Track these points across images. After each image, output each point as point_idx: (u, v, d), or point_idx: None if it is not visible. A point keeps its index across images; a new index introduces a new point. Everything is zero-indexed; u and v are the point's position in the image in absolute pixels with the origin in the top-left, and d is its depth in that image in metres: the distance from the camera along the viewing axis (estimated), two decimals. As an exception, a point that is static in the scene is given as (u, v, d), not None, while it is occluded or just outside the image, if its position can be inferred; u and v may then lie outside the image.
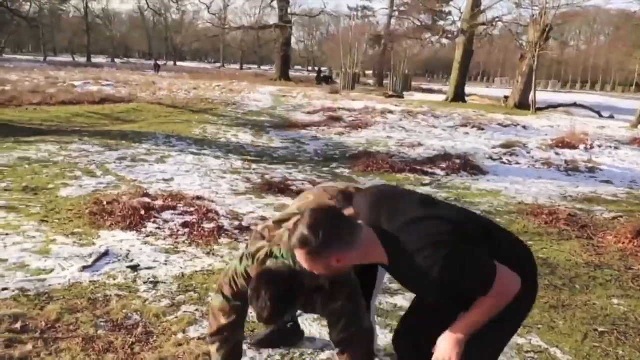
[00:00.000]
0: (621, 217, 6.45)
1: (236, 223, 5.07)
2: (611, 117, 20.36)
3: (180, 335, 3.01)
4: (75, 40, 65.60)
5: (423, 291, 1.99)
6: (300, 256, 1.85)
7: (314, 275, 1.95)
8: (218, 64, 71.16)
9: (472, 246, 1.82)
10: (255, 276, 2.01)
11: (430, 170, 8.47)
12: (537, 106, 21.43)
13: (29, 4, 41.43)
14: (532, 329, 3.34)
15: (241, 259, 2.23)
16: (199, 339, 2.99)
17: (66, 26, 65.69)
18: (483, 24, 27.49)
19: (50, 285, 3.52)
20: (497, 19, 27.66)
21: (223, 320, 2.23)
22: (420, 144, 10.86)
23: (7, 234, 4.35)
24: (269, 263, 2.07)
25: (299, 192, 6.38)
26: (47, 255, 3.98)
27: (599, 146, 11.00)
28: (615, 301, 3.88)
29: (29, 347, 2.78)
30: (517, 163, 9.67)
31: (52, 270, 3.74)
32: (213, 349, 2.30)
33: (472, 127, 13.88)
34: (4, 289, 3.41)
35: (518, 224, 5.92)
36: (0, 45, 38.70)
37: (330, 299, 2.13)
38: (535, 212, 6.38)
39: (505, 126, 14.60)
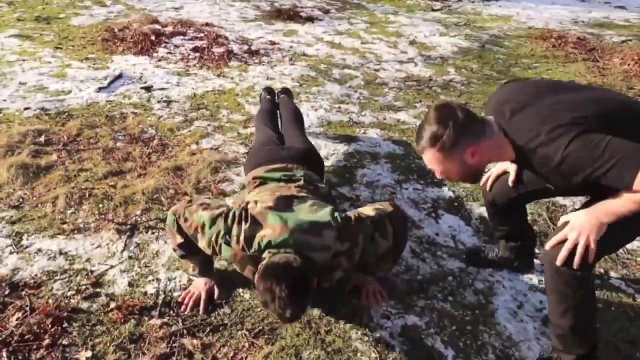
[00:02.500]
0: (630, 40, 5.95)
1: (245, 47, 4.75)
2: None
3: (193, 146, 2.95)
4: None
5: (556, 182, 1.54)
6: (432, 158, 1.54)
7: (328, 277, 1.68)
8: None
9: (610, 131, 1.38)
10: (260, 276, 1.53)
11: (441, -4, 7.72)
12: None
13: None
14: None
15: (217, 225, 1.67)
16: (211, 149, 2.94)
17: None
18: None
19: (69, 104, 3.41)
20: None
21: (179, 239, 1.79)
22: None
23: (24, 60, 4.14)
24: (269, 257, 1.58)
25: (307, 19, 5.92)
26: (63, 78, 3.81)
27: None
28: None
29: (54, 157, 2.76)
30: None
31: (69, 92, 3.60)
32: (182, 261, 1.97)
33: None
34: (26, 109, 3.31)
35: (526, 47, 5.50)
36: None
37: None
38: (544, 36, 5.91)
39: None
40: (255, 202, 1.73)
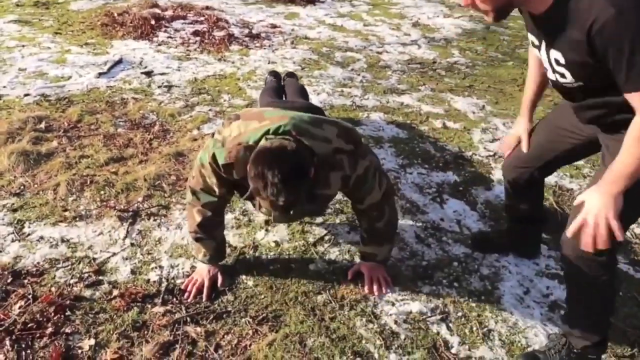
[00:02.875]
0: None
1: (246, 31, 4.68)
2: None
3: (195, 132, 2.91)
4: None
5: (575, 61, 1.32)
6: None
7: (325, 179, 1.57)
8: None
9: None
10: (252, 161, 1.40)
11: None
12: None
13: None
14: None
15: (207, 148, 1.68)
16: (212, 135, 2.89)
17: None
18: None
19: (69, 90, 3.36)
20: None
21: (198, 218, 1.77)
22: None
23: (23, 46, 4.08)
24: (263, 142, 1.46)
25: (309, 1, 5.81)
26: (63, 64, 3.75)
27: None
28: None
29: (54, 143, 2.72)
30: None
31: (69, 78, 3.55)
32: (194, 245, 1.91)
33: None
34: (26, 95, 3.27)
35: None
36: None
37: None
38: None
39: None
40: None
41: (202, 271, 1.90)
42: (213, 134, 1.71)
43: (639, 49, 1.14)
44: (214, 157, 1.60)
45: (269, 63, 3.98)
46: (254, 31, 4.68)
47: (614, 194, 1.27)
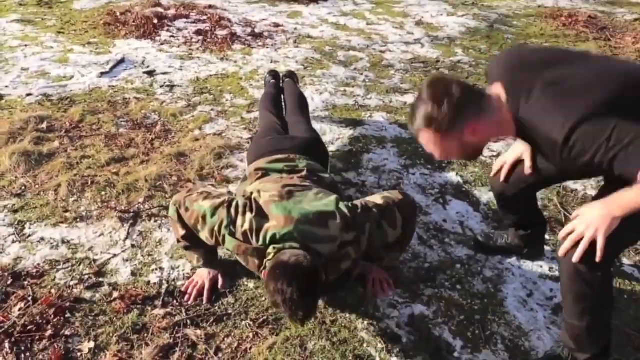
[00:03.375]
0: (643, 18, 5.77)
1: (249, 30, 4.65)
2: None
3: (197, 132, 2.89)
4: None
5: (557, 164, 1.43)
6: (429, 140, 1.40)
7: (335, 269, 1.62)
8: None
9: (615, 114, 1.25)
10: (271, 276, 1.46)
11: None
12: None
13: None
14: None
15: (218, 213, 1.62)
16: (214, 134, 2.87)
17: None
18: None
19: (71, 90, 3.34)
20: None
21: (182, 231, 1.75)
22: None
23: (26, 45, 4.07)
24: (277, 254, 1.52)
25: (312, 0, 5.76)
26: (66, 64, 3.74)
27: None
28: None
29: (56, 144, 2.71)
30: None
31: (72, 77, 3.53)
32: (186, 253, 1.92)
33: None
34: (28, 95, 3.25)
35: (535, 26, 5.35)
36: None
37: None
38: (554, 14, 5.74)
39: None
40: (259, 191, 1.67)
41: (203, 273, 1.88)
42: (227, 204, 1.64)
43: (607, 151, 1.23)
44: (224, 237, 1.61)
45: (271, 62, 3.95)
46: (256, 30, 4.65)
47: (615, 217, 1.28)
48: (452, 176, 2.63)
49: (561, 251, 1.37)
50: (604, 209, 1.30)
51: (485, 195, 2.48)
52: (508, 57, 1.53)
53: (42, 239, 2.07)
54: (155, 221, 2.19)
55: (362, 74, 3.86)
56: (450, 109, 1.32)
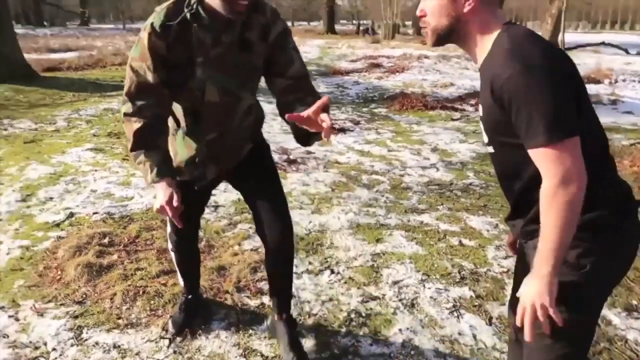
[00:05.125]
0: (638, 143, 6.01)
1: (285, 157, 5.09)
2: (639, 53, 18.58)
3: (236, 247, 3.13)
4: (149, 8, 65.61)
5: (484, 109, 1.29)
6: None
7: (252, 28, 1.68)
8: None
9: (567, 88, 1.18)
10: None
11: (460, 107, 8.13)
12: (565, 47, 19.82)
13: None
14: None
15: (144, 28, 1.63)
16: (251, 250, 3.10)
17: (140, -4, 65.85)
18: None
19: (131, 209, 3.71)
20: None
21: (136, 124, 1.64)
22: (452, 84, 10.38)
23: (96, 170, 4.58)
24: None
25: (340, 130, 6.30)
26: (128, 186, 4.17)
27: (623, 80, 10.14)
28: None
29: (115, 257, 2.97)
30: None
31: (132, 198, 3.93)
32: (140, 167, 1.69)
33: (503, 67, 13.02)
34: (94, 213, 3.63)
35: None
36: (85, 16, 39.34)
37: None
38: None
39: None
40: None
41: (163, 187, 1.64)
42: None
43: (538, 105, 1.12)
44: (152, 25, 1.61)
45: (303, 185, 4.29)
46: (291, 157, 5.09)
47: (546, 275, 1.17)
48: (465, 291, 2.72)
49: (527, 337, 1.23)
50: (534, 279, 1.20)
51: (497, 310, 2.54)
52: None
53: (97, 343, 2.23)
54: (195, 329, 2.34)
55: (383, 196, 4.13)
56: None
